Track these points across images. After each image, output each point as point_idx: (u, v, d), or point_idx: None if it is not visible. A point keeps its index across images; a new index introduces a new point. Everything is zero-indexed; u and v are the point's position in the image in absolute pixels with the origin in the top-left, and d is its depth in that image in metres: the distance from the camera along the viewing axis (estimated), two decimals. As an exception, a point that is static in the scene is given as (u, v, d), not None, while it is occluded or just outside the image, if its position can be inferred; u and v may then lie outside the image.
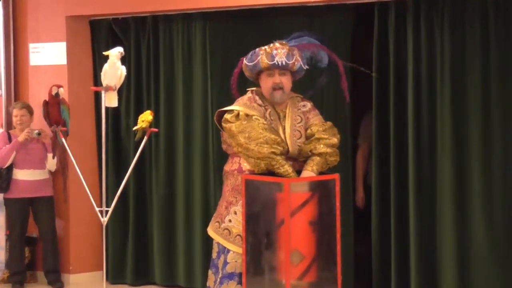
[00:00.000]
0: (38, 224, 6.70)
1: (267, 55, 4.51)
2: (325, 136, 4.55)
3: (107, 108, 5.82)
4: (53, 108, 6.42)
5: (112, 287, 6.69)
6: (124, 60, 5.75)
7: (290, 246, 4.11)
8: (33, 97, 6.82)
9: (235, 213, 4.55)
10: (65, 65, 6.76)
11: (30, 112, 6.65)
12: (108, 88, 5.61)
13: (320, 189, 4.31)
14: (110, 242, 6.69)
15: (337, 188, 4.30)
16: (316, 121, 4.64)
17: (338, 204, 4.31)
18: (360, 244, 6.08)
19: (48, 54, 6.82)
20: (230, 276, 4.52)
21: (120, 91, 5.91)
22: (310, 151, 4.51)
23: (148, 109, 6.10)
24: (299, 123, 4.63)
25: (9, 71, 6.95)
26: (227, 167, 4.67)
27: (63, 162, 6.57)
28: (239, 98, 4.67)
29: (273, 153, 4.36)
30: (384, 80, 5.74)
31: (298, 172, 4.50)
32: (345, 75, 4.81)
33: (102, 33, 6.81)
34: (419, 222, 5.56)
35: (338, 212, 4.31)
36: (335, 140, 4.57)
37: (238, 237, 4.50)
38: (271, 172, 4.41)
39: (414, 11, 5.59)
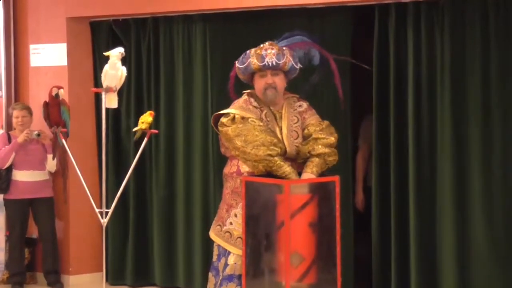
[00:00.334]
0: (38, 225, 6.70)
1: (257, 56, 4.52)
2: (323, 136, 4.54)
3: (107, 109, 5.82)
4: (53, 109, 6.42)
5: (112, 288, 6.72)
6: (124, 61, 5.75)
7: (290, 247, 4.11)
8: (33, 98, 6.82)
9: (236, 215, 4.55)
10: (65, 66, 6.76)
11: (30, 113, 6.66)
12: (108, 89, 5.62)
13: (320, 191, 4.31)
14: (110, 243, 6.70)
15: (337, 190, 4.30)
16: (313, 121, 4.64)
17: (338, 205, 4.30)
18: (360, 245, 6.08)
19: (49, 55, 6.82)
20: (229, 278, 4.52)
21: (120, 92, 5.92)
22: (309, 152, 4.51)
23: (148, 110, 6.10)
24: (295, 123, 4.62)
25: (9, 72, 6.96)
26: (226, 170, 4.67)
27: (63, 163, 6.57)
28: (235, 101, 4.67)
29: (270, 155, 4.36)
30: (384, 81, 5.74)
31: (299, 174, 4.50)
32: (338, 72, 4.79)
33: (102, 34, 6.81)
34: (419, 223, 5.57)
35: (338, 213, 4.31)
36: (332, 139, 4.57)
37: (239, 239, 4.50)
38: (270, 174, 4.41)
39: (414, 12, 5.59)
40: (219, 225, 4.63)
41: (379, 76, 5.76)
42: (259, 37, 4.85)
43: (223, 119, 4.53)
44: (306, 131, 4.60)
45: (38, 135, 6.55)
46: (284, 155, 4.47)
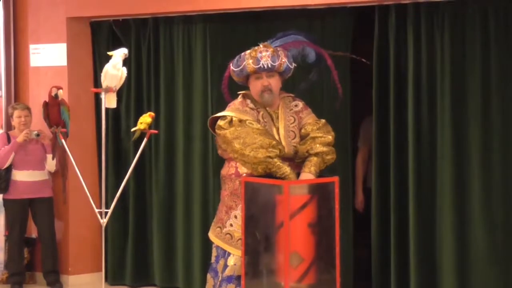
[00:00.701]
0: (37, 225, 6.70)
1: (252, 59, 4.50)
2: (320, 135, 4.53)
3: (107, 109, 5.83)
4: (53, 109, 6.42)
5: (111, 289, 6.72)
6: (124, 61, 5.76)
7: (289, 248, 4.11)
8: (33, 98, 6.82)
9: (236, 217, 4.56)
10: (65, 66, 6.77)
11: (31, 113, 6.66)
12: (108, 90, 5.62)
13: (319, 192, 4.30)
14: (109, 243, 6.70)
15: (337, 191, 4.29)
16: (310, 120, 4.63)
17: (337, 206, 4.30)
18: (360, 246, 6.09)
19: (49, 55, 6.82)
20: (228, 279, 4.52)
21: (120, 93, 5.93)
22: (307, 151, 4.50)
23: (148, 110, 6.11)
24: (292, 123, 4.61)
25: (9, 72, 6.96)
26: (224, 171, 4.67)
27: (63, 163, 6.57)
28: (231, 103, 4.66)
29: (269, 157, 4.35)
30: (384, 82, 5.75)
31: (297, 174, 4.50)
32: (334, 68, 4.77)
33: (102, 34, 6.81)
34: (419, 223, 5.57)
35: (337, 214, 4.30)
36: (329, 137, 4.56)
37: (240, 241, 4.50)
38: (269, 175, 4.41)
39: (414, 14, 5.60)
40: (219, 227, 4.63)
41: (379, 77, 5.77)
42: (259, 38, 4.83)
43: (220, 122, 4.52)
44: (303, 130, 4.59)
45: (38, 135, 6.55)
46: (283, 156, 4.47)
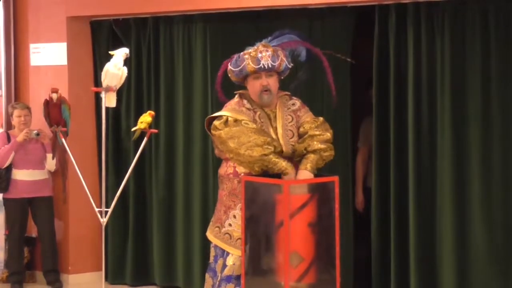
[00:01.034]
0: (37, 224, 6.70)
1: (252, 59, 4.49)
2: (318, 133, 4.53)
3: (107, 109, 5.82)
4: (54, 109, 6.41)
5: (111, 288, 6.72)
6: (125, 61, 5.75)
7: (289, 247, 4.11)
8: (33, 98, 6.82)
9: (235, 217, 4.55)
10: (65, 65, 6.76)
11: (31, 112, 6.66)
12: (108, 89, 5.62)
13: (319, 191, 4.31)
14: (109, 242, 6.70)
15: (337, 190, 4.30)
16: (308, 118, 4.63)
17: (337, 206, 4.30)
18: (360, 246, 6.09)
19: (49, 55, 6.82)
20: (227, 279, 4.51)
21: (120, 92, 5.93)
22: (305, 149, 4.50)
23: (148, 110, 6.11)
24: (290, 122, 4.61)
25: (9, 71, 6.96)
26: (222, 171, 4.65)
27: (63, 163, 6.57)
28: (227, 103, 4.66)
29: (264, 154, 4.35)
30: (384, 82, 5.75)
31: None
32: (330, 68, 4.77)
33: (102, 34, 6.81)
34: (419, 223, 5.57)
35: (337, 214, 4.31)
36: (328, 135, 4.56)
37: (239, 240, 4.50)
38: (267, 173, 4.41)
39: (414, 13, 5.59)
40: (218, 226, 4.61)
41: (379, 77, 5.76)
42: (259, 37, 4.84)
43: (216, 122, 4.52)
44: (301, 129, 4.59)
45: (38, 134, 6.55)
46: (280, 154, 4.46)
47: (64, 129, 6.38)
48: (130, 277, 6.72)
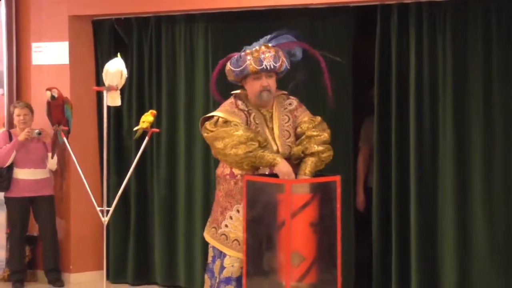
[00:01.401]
0: (39, 223, 6.71)
1: (254, 60, 4.47)
2: (315, 133, 4.51)
3: (109, 108, 5.82)
4: (56, 108, 6.40)
5: (112, 287, 6.70)
6: (126, 60, 5.76)
7: (290, 247, 4.11)
8: (35, 97, 6.83)
9: (231, 218, 4.53)
10: (67, 64, 6.77)
11: (32, 111, 6.67)
12: (110, 88, 5.62)
13: (321, 191, 4.31)
14: (111, 241, 6.70)
15: (338, 190, 4.30)
16: (305, 118, 4.60)
17: (339, 205, 4.30)
18: (361, 246, 6.08)
19: (51, 54, 6.82)
20: (227, 281, 4.50)
21: (122, 91, 5.92)
22: (303, 152, 4.48)
23: (150, 109, 6.11)
24: (286, 122, 4.60)
25: (11, 70, 6.96)
26: (219, 171, 4.62)
27: (62, 162, 6.57)
28: (222, 104, 4.65)
29: (249, 151, 4.33)
30: (386, 81, 5.75)
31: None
32: (327, 69, 4.75)
33: (104, 33, 6.81)
34: (420, 223, 5.57)
35: (339, 213, 4.31)
36: (325, 135, 4.54)
37: (235, 242, 4.49)
38: (257, 168, 4.40)
39: (416, 13, 5.59)
40: (214, 227, 4.60)
41: (381, 76, 5.76)
42: (260, 37, 4.83)
43: (207, 124, 4.52)
44: (299, 129, 4.57)
45: (39, 133, 6.55)
46: (265, 147, 4.42)
47: (66, 128, 6.38)
48: (131, 276, 6.72)
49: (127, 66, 5.81)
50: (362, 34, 6.05)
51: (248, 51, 4.54)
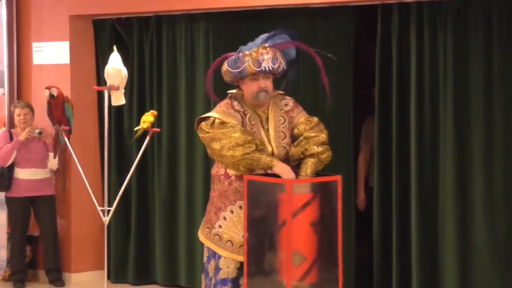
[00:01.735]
0: (39, 222, 6.71)
1: (253, 61, 4.45)
2: (313, 134, 4.49)
3: (109, 108, 5.81)
4: (57, 107, 6.39)
5: (113, 287, 6.70)
6: (127, 60, 5.75)
7: (291, 247, 4.11)
8: (36, 96, 6.83)
9: (225, 218, 4.51)
10: (68, 64, 6.77)
11: (32, 111, 6.67)
12: (111, 88, 5.61)
13: (322, 190, 4.30)
14: (111, 241, 6.70)
15: (339, 190, 4.30)
16: (302, 119, 4.58)
17: (340, 205, 4.30)
18: (362, 245, 6.09)
19: (51, 53, 6.83)
20: (223, 282, 4.49)
21: (122, 91, 5.92)
22: (302, 153, 4.47)
23: (150, 109, 6.11)
24: (282, 123, 4.58)
25: (12, 70, 6.97)
26: (214, 171, 4.61)
27: (63, 162, 6.57)
28: (218, 105, 4.64)
29: (246, 153, 4.33)
30: (386, 81, 5.75)
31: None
32: (323, 68, 4.74)
33: (105, 32, 6.82)
34: (421, 223, 5.57)
35: (339, 213, 4.31)
36: (323, 136, 4.52)
37: (228, 242, 4.48)
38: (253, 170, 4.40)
39: (417, 13, 5.59)
40: (208, 227, 4.58)
41: (382, 76, 5.76)
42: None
43: (203, 124, 4.52)
44: (296, 130, 4.55)
45: (40, 133, 6.56)
46: (262, 150, 4.42)
47: (67, 127, 6.37)
48: (132, 276, 6.73)
49: (127, 66, 5.81)
50: (363, 33, 6.04)
51: (246, 52, 4.52)
